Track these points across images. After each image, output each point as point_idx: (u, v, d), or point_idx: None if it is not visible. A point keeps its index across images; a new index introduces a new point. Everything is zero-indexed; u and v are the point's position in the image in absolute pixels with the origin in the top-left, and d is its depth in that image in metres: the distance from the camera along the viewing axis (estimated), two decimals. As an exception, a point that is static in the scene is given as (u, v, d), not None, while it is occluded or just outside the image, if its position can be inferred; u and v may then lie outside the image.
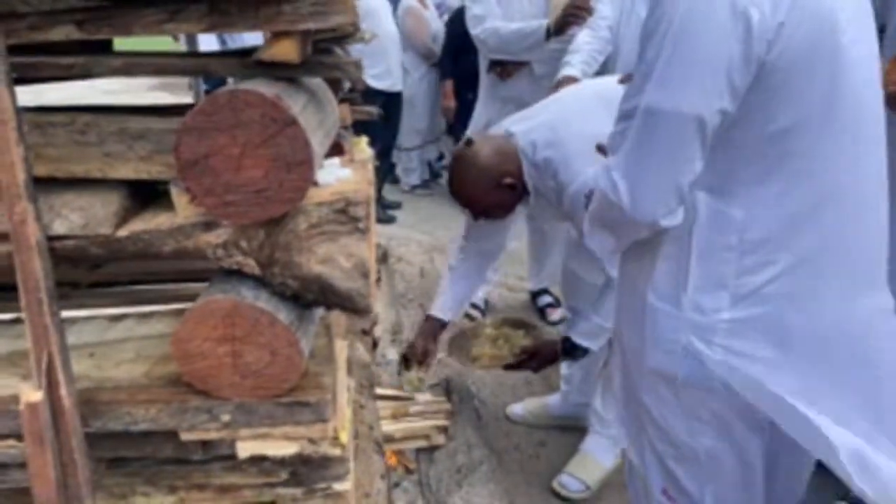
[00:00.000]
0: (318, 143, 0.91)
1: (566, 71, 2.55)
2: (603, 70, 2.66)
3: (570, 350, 2.09)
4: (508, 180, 1.89)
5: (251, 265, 0.88)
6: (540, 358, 2.18)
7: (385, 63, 4.79)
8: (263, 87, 0.82)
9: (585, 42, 2.60)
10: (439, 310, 2.29)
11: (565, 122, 1.89)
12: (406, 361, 2.29)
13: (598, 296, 2.01)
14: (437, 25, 5.46)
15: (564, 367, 2.43)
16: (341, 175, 0.95)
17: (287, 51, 0.88)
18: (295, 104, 0.85)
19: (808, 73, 1.06)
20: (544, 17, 2.79)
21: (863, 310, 1.17)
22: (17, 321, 1.09)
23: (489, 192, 1.93)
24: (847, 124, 1.10)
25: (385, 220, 4.90)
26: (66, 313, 0.89)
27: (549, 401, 2.51)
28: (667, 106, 1.05)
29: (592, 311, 2.03)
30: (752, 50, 1.02)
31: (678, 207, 1.12)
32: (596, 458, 2.20)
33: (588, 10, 2.62)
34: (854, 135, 1.12)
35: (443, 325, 2.29)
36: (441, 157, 6.30)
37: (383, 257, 3.75)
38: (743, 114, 1.07)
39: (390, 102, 4.80)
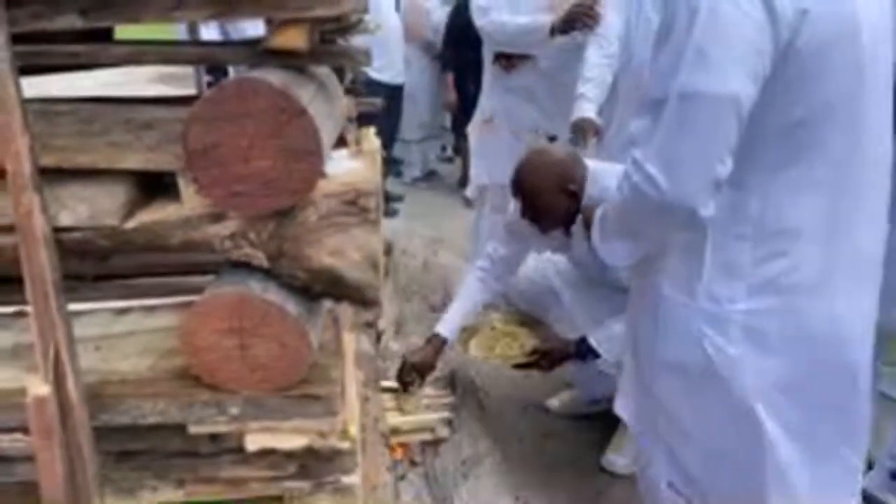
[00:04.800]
0: (328, 133, 0.89)
1: (583, 112, 2.50)
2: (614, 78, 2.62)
3: (584, 353, 2.11)
4: (572, 187, 1.91)
5: (260, 257, 0.87)
6: (551, 358, 2.20)
7: (387, 55, 4.75)
8: (272, 77, 0.81)
9: (595, 64, 2.57)
10: (444, 328, 2.31)
11: None
12: (404, 378, 2.27)
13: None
14: (438, 16, 5.42)
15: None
16: (350, 166, 0.94)
17: (295, 39, 0.86)
18: (304, 94, 0.84)
19: (829, 65, 1.05)
20: (550, 10, 2.76)
21: (871, 301, 1.17)
22: (22, 314, 1.08)
23: (551, 190, 1.94)
24: (864, 118, 1.10)
25: (389, 213, 4.87)
26: (71, 306, 0.88)
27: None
28: (704, 88, 1.04)
29: (615, 320, 2.02)
30: (776, 35, 1.02)
31: (715, 194, 1.10)
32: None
33: (594, 17, 2.59)
34: (870, 129, 1.11)
35: (444, 342, 2.30)
36: (444, 149, 6.28)
37: (388, 250, 3.74)
38: (763, 102, 1.06)
39: (392, 95, 4.78)
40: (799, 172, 1.10)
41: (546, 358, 2.19)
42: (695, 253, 1.17)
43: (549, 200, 1.96)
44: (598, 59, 2.57)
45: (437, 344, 2.28)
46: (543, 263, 2.42)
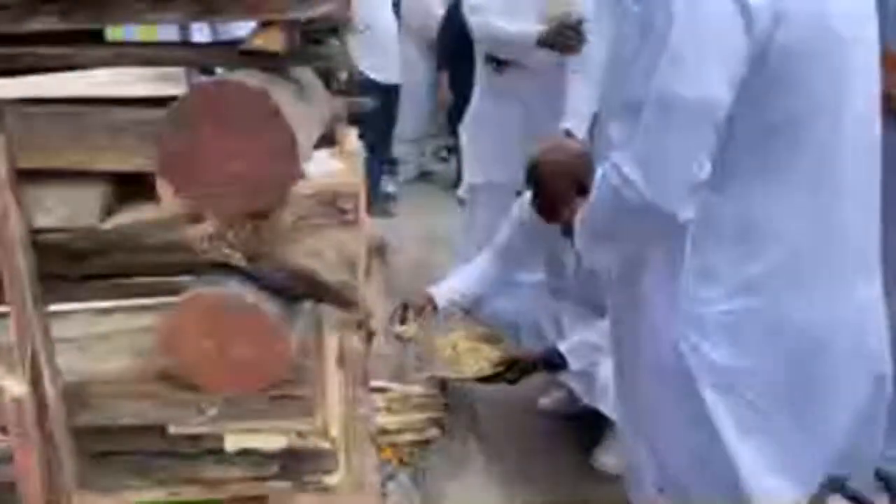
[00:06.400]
0: (305, 135, 0.89)
1: (567, 123, 2.63)
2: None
3: (554, 364, 2.12)
4: (584, 183, 1.93)
5: (237, 258, 0.87)
6: (517, 369, 2.23)
7: (382, 55, 4.75)
8: (248, 78, 0.81)
9: (580, 95, 2.63)
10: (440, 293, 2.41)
11: None
12: (404, 314, 2.37)
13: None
14: (437, 12, 5.40)
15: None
16: (330, 167, 0.94)
17: (273, 41, 0.86)
18: (282, 95, 0.84)
19: (808, 67, 1.06)
20: (542, 20, 2.77)
21: (857, 301, 1.17)
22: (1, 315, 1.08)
23: (564, 180, 1.96)
24: (841, 119, 1.10)
25: (383, 212, 4.87)
26: (53, 306, 0.88)
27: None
28: (681, 93, 1.05)
29: (592, 328, 2.04)
30: (751, 38, 1.03)
31: (694, 198, 1.10)
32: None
33: (579, 41, 2.62)
34: (846, 130, 1.12)
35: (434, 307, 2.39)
36: (440, 149, 6.28)
37: (381, 250, 3.73)
38: (739, 105, 1.07)
39: (388, 94, 4.77)
40: (778, 174, 1.11)
41: (512, 369, 2.21)
42: (674, 256, 1.18)
43: (560, 191, 1.99)
44: (580, 89, 2.64)
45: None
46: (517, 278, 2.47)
